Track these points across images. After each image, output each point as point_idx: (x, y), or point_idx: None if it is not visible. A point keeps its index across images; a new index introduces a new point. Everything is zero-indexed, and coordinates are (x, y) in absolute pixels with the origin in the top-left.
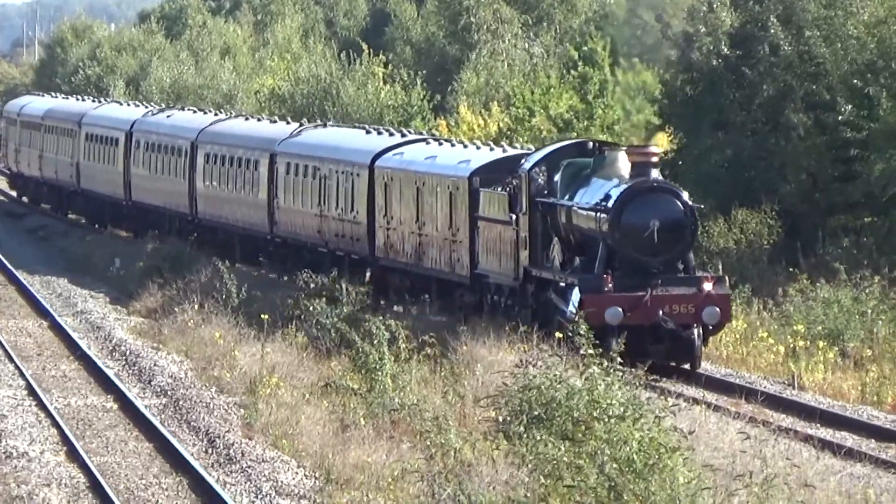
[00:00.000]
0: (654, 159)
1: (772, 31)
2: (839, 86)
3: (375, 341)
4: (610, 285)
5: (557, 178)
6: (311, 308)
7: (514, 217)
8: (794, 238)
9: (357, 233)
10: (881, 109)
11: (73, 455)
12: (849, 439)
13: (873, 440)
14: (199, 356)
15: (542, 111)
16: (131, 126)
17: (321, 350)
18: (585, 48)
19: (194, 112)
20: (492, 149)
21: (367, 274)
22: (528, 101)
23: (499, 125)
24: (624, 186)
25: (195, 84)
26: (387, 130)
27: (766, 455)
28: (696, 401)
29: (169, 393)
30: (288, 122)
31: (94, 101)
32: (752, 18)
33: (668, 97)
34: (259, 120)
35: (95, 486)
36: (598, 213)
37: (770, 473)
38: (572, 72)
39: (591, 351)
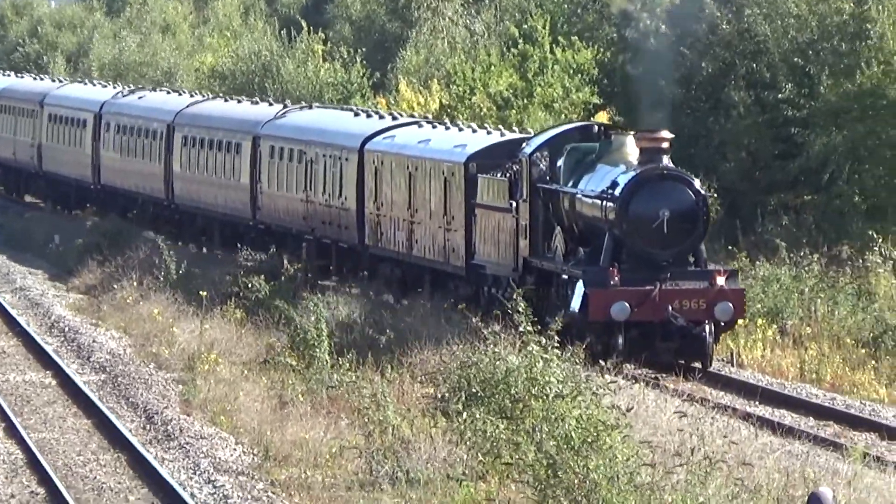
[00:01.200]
0: (665, 145)
1: (708, 10)
2: (780, 64)
3: (314, 318)
4: (616, 279)
5: (560, 163)
6: (249, 285)
7: (513, 204)
8: (733, 216)
9: (345, 220)
10: (821, 87)
11: (11, 431)
12: (787, 417)
13: (812, 418)
14: (138, 332)
15: (482, 89)
16: (100, 107)
17: (260, 327)
18: (525, 26)
19: (168, 93)
20: (489, 132)
21: (304, 249)
22: (468, 79)
23: (440, 102)
24: (632, 173)
25: (136, 61)
26: (376, 113)
27: (704, 433)
28: (635, 379)
29: (107, 369)
30: (270, 104)
31: (54, 80)
32: None
33: (607, 77)
34: (239, 101)
35: (33, 463)
36: (605, 202)
37: (708, 451)
38: (512, 50)
39: (529, 328)
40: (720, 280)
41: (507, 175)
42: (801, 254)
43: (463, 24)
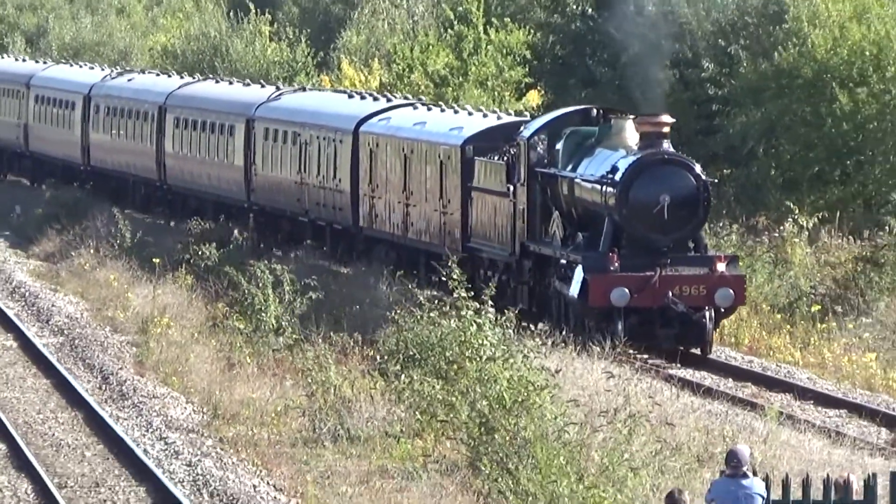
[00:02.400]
0: (666, 129)
1: None
2: (702, 44)
3: (260, 284)
4: (616, 264)
5: (559, 147)
6: (199, 252)
7: (511, 188)
8: None
9: (340, 202)
10: (741, 67)
11: None
12: (708, 379)
13: (730, 379)
14: (95, 297)
15: (420, 68)
16: (90, 90)
17: (209, 292)
18: (461, 9)
19: (158, 75)
20: (485, 115)
21: (250, 219)
22: (407, 59)
23: (380, 80)
24: (633, 158)
25: (92, 41)
26: (370, 95)
27: (629, 393)
28: (564, 343)
29: (66, 332)
30: (263, 86)
31: (37, 61)
32: None
33: (537, 58)
34: (230, 83)
35: None
36: (605, 187)
37: (633, 411)
38: (449, 31)
39: (463, 294)
40: (721, 266)
41: (505, 158)
42: (721, 224)
43: (402, 6)
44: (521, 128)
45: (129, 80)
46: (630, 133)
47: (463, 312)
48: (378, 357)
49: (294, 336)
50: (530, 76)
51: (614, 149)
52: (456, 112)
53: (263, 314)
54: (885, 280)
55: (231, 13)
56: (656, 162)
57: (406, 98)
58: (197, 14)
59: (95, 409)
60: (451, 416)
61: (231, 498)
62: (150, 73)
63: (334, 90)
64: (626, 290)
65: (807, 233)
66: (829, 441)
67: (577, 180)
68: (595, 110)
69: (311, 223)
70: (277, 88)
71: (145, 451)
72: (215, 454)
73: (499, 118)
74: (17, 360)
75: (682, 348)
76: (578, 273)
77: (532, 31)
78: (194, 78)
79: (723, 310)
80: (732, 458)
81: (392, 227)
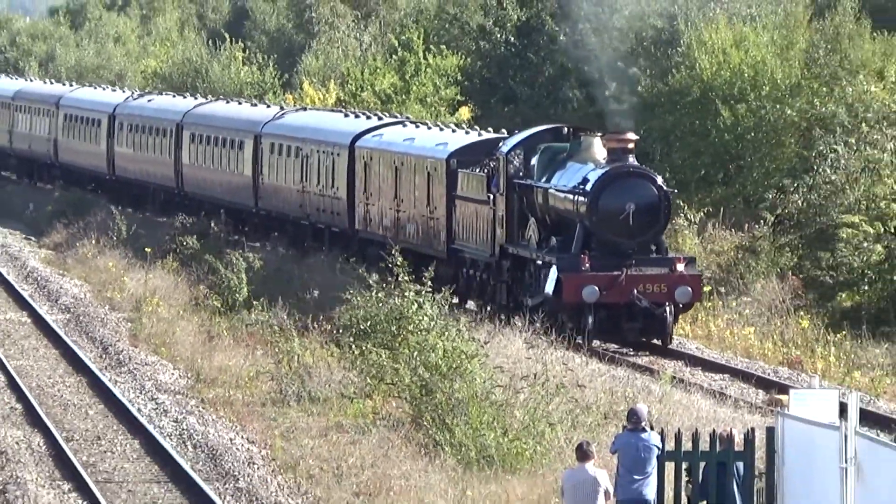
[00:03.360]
0: (631, 145)
1: (547, 26)
2: (606, 67)
3: (235, 269)
4: (587, 265)
5: (534, 161)
6: (184, 243)
7: (491, 197)
8: None
9: (337, 207)
10: (639, 86)
11: None
12: (612, 348)
13: (631, 349)
14: (96, 281)
15: (369, 87)
16: (114, 109)
17: (192, 276)
18: (404, 37)
19: (174, 97)
20: (467, 132)
21: (222, 214)
22: (358, 80)
23: (336, 98)
24: (602, 171)
25: (94, 65)
26: (364, 114)
27: (546, 361)
28: (490, 320)
29: (71, 310)
30: (268, 106)
31: (64, 84)
32: (535, 14)
33: (468, 79)
34: (240, 103)
35: (13, 384)
36: (577, 196)
37: (550, 375)
38: (394, 56)
39: (406, 278)
40: (680, 266)
41: (486, 171)
42: None
43: (354, 35)
44: (500, 144)
45: (150, 100)
46: (598, 148)
47: (406, 294)
48: (334, 331)
49: (263, 313)
50: (462, 94)
51: (584, 163)
52: (441, 129)
53: (237, 295)
54: (761, 265)
55: (210, 41)
56: (623, 174)
57: (396, 116)
58: (181, 42)
59: (97, 375)
60: (396, 380)
61: (211, 449)
62: (166, 94)
63: (331, 109)
64: (596, 288)
65: (696, 226)
66: (714, 401)
67: (551, 190)
68: (566, 128)
69: (312, 226)
70: (281, 108)
71: (139, 409)
72: (198, 412)
73: (479, 135)
74: (31, 333)
75: (644, 339)
76: (553, 272)
77: (463, 56)
78: (207, 99)
79: (681, 305)
80: (633, 416)
81: (384, 230)
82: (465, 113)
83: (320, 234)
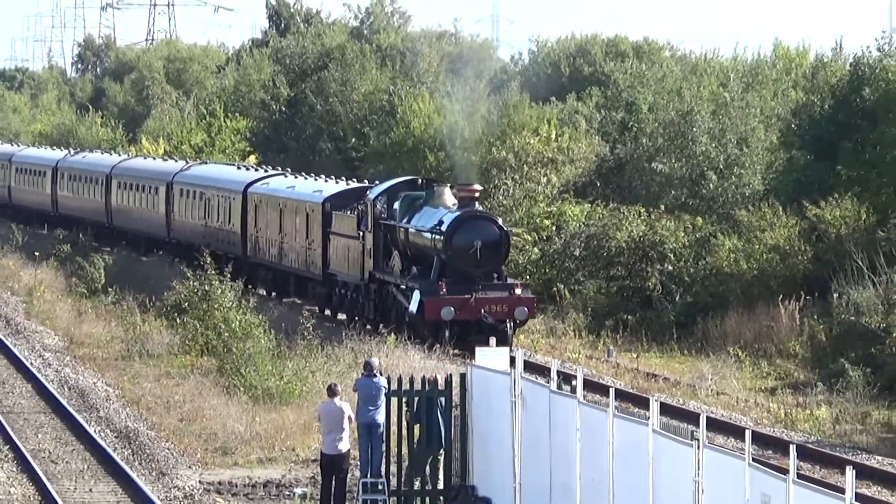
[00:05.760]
0: (477, 194)
1: (309, 98)
2: (349, 128)
3: (95, 266)
4: (444, 290)
5: (396, 205)
6: (61, 249)
7: (361, 233)
8: None
9: (233, 239)
10: (372, 141)
11: None
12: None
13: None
14: (0, 275)
15: (187, 142)
16: (56, 163)
17: (67, 272)
18: (210, 107)
19: (102, 153)
20: (337, 182)
21: (88, 228)
22: (179, 137)
23: (164, 150)
24: (455, 214)
25: None
26: (253, 167)
27: (305, 325)
28: (354, 326)
29: None
30: (176, 161)
31: (62, 150)
32: (300, 91)
33: (254, 135)
34: (154, 159)
35: None
36: (434, 234)
37: (310, 338)
38: (203, 120)
39: (215, 273)
40: (518, 290)
41: (356, 213)
42: None
43: (177, 107)
44: (367, 192)
45: (84, 157)
46: (448, 196)
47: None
48: (165, 308)
49: (115, 297)
50: (251, 146)
51: (437, 207)
52: (315, 179)
53: (97, 284)
54: None
55: (78, 111)
56: (471, 217)
57: (276, 170)
58: (58, 111)
59: (2, 340)
60: (207, 342)
61: (80, 390)
62: (96, 152)
63: (227, 164)
64: (452, 308)
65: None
66: (424, 356)
67: (411, 230)
68: (420, 179)
69: (213, 253)
70: (186, 162)
71: (31, 363)
72: (72, 365)
73: (347, 184)
74: None
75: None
76: (416, 295)
77: (251, 120)
78: (128, 156)
79: (519, 322)
80: (368, 365)
81: (271, 256)
82: (252, 160)
83: (219, 259)
